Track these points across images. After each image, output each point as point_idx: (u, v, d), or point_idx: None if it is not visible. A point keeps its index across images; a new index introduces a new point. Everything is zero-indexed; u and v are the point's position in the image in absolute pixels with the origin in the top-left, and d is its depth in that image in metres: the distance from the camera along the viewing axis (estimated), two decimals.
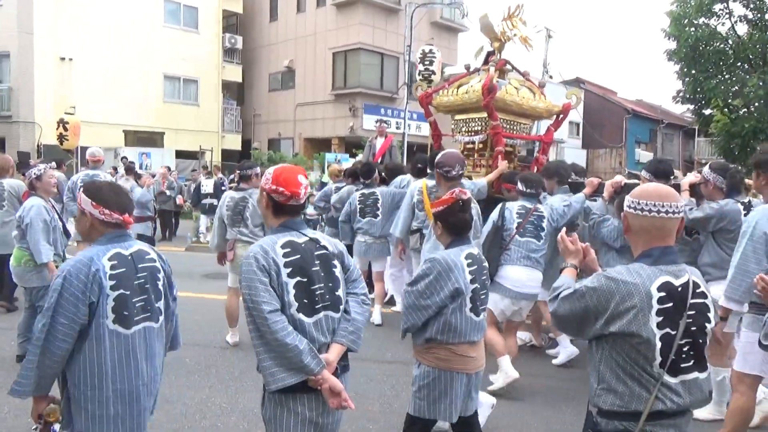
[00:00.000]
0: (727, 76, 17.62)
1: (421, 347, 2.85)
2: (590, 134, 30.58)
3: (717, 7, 17.27)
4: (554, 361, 5.38)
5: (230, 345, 5.64)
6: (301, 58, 25.22)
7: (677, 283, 1.92)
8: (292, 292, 2.24)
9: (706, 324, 1.95)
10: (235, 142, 26.01)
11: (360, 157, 11.97)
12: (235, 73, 26.23)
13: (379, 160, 9.38)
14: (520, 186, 4.88)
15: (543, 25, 23.33)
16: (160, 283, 2.43)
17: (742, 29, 17.59)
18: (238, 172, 5.96)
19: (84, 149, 17.81)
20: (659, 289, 1.89)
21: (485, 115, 5.98)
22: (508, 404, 4.35)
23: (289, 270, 2.24)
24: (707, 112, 18.45)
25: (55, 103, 19.32)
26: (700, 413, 4.15)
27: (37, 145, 19.30)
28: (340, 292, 2.37)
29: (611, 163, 29.62)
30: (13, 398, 2.34)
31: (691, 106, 20.15)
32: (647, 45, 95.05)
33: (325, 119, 24.53)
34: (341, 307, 2.37)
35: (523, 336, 5.70)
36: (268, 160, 21.57)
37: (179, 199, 13.78)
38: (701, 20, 17.69)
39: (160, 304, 2.43)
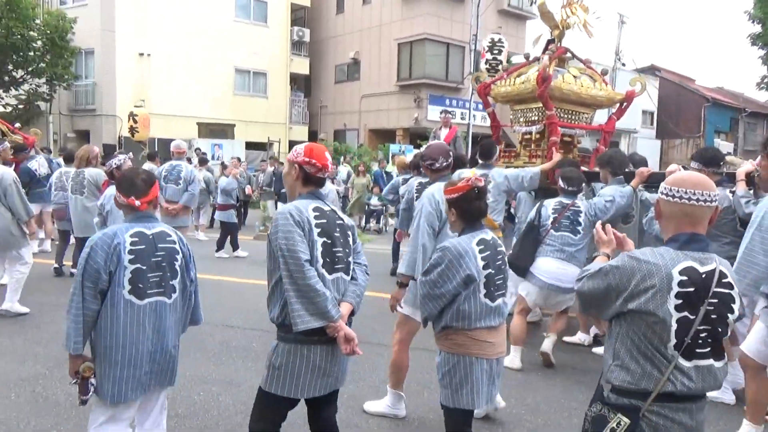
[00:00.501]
0: None
1: (440, 334, 2.88)
2: (665, 124, 29.28)
3: None
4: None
5: None
6: (367, 49, 25.38)
7: (702, 269, 1.93)
8: (320, 249, 2.52)
9: (728, 314, 1.95)
10: (302, 134, 26.53)
11: (424, 148, 12.01)
12: (302, 66, 26.71)
13: None
14: (561, 183, 4.96)
15: (616, 10, 22.49)
16: (177, 264, 2.71)
17: None
18: None
19: (162, 141, 18.70)
20: (681, 273, 1.91)
21: (542, 104, 5.88)
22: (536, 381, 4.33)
23: (318, 230, 2.53)
24: None
25: (134, 97, 20.32)
26: None
27: (118, 137, 20.36)
28: (351, 259, 2.68)
29: (687, 153, 28.25)
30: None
31: None
32: (729, 29, 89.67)
33: (389, 110, 24.62)
34: (350, 272, 2.68)
35: (581, 337, 5.60)
36: (334, 151, 21.90)
37: (248, 189, 14.22)
38: None
39: (175, 282, 2.70)
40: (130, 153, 7.59)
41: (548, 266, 4.73)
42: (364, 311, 5.72)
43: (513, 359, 4.83)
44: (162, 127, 19.59)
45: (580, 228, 4.76)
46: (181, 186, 7.61)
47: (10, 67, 18.92)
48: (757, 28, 17.19)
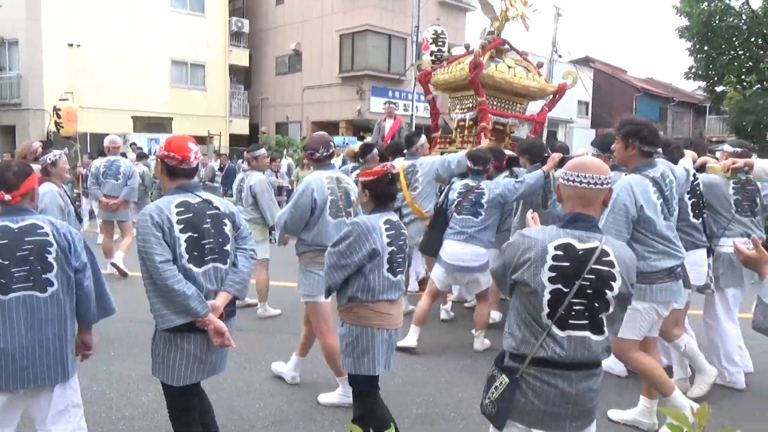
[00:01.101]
0: (741, 52, 17.30)
1: (344, 307, 3.09)
2: (599, 113, 30.31)
3: None
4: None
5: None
6: (308, 40, 25.08)
7: (580, 246, 2.08)
8: (183, 245, 2.59)
9: (607, 291, 2.07)
10: (242, 127, 26.01)
11: (368, 139, 11.98)
12: (242, 57, 26.13)
13: (388, 142, 9.37)
14: (468, 162, 5.16)
15: (552, 3, 23.02)
16: (50, 257, 2.60)
17: (756, 3, 17.21)
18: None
19: (95, 136, 17.91)
20: (556, 248, 2.08)
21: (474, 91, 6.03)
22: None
23: (181, 226, 2.60)
24: (720, 89, 18.19)
25: (65, 90, 19.36)
26: (691, 392, 4.12)
27: (47, 133, 19.41)
28: (229, 247, 2.74)
29: None
30: None
31: (703, 84, 19.87)
32: (658, 22, 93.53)
33: (332, 102, 24.45)
34: (229, 260, 2.74)
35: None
36: (276, 144, 21.58)
37: None
38: None
39: (51, 276, 2.59)
40: (65, 149, 7.27)
41: (451, 248, 4.98)
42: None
43: (410, 338, 5.01)
44: (95, 122, 18.78)
45: (481, 210, 4.97)
46: (121, 181, 7.65)
47: None
48: (684, 22, 17.95)
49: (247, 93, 27.14)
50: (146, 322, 5.91)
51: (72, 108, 15.44)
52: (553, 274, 2.05)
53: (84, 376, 4.43)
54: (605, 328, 2.09)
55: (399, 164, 6.06)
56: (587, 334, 2.07)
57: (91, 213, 12.30)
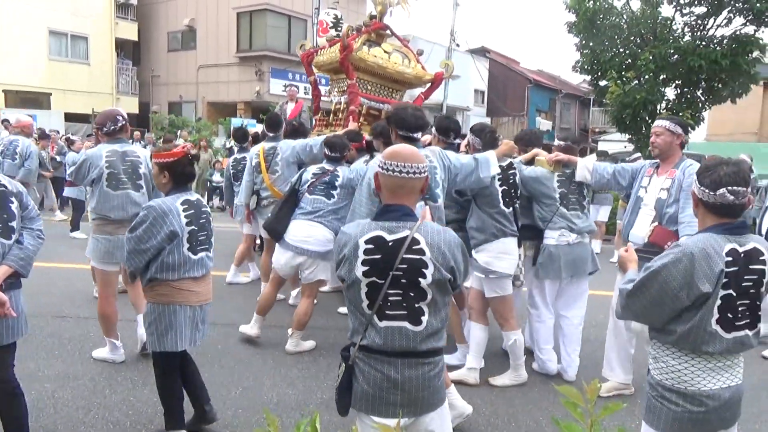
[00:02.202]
0: (621, 50, 18.47)
1: (146, 287, 3.16)
2: (494, 102, 31.46)
3: None
4: None
5: None
6: (203, 16, 23.98)
7: (390, 237, 2.07)
8: None
9: (420, 279, 2.06)
10: (131, 105, 24.45)
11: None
12: (129, 31, 24.54)
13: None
14: (325, 149, 5.02)
15: None
16: None
17: (635, 5, 18.45)
18: None
19: None
20: (367, 242, 2.07)
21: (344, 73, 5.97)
22: None
23: None
24: (602, 83, 19.35)
25: None
26: (497, 380, 4.24)
27: None
28: (14, 224, 2.76)
29: (513, 130, 30.64)
30: None
31: (588, 77, 21.09)
32: (549, 16, 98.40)
33: (229, 83, 23.60)
34: (13, 236, 2.76)
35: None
36: (169, 125, 20.56)
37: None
38: None
39: None
40: None
41: (297, 229, 4.71)
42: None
43: (252, 326, 4.84)
44: None
45: (335, 192, 4.80)
46: (18, 161, 7.53)
47: None
48: (573, 18, 18.90)
49: (137, 69, 25.56)
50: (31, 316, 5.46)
51: None
52: (366, 268, 2.05)
53: None
54: (424, 318, 2.08)
55: (260, 148, 5.94)
56: (404, 324, 2.06)
57: None
